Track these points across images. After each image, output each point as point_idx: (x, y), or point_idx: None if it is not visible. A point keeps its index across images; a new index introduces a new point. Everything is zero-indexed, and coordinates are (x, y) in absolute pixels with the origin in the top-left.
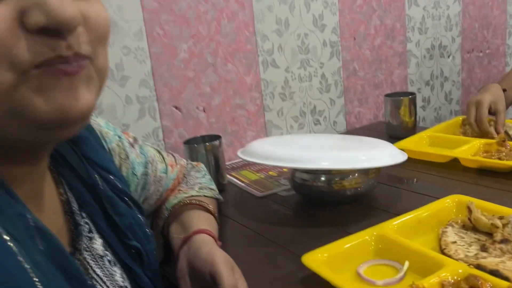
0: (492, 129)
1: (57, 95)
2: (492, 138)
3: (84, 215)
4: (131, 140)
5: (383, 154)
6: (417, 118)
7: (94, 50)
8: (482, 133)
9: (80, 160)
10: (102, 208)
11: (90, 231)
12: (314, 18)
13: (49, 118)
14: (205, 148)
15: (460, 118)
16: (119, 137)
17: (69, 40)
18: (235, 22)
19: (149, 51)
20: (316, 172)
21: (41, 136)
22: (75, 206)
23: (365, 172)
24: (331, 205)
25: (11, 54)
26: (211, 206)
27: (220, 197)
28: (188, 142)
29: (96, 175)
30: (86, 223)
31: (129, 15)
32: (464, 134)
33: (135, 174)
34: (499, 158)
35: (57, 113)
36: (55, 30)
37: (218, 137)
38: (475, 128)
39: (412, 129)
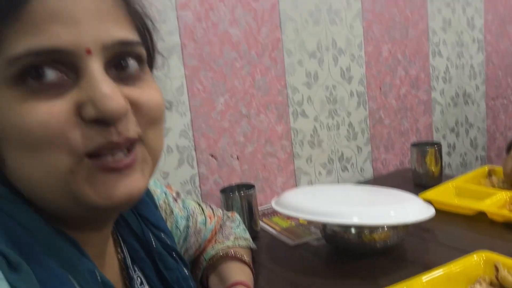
0: None
1: (105, 187)
2: None
3: (136, 269)
4: (174, 195)
5: (411, 210)
6: (443, 164)
7: (144, 130)
8: None
9: (137, 220)
10: (154, 263)
11: (141, 284)
12: (341, 71)
13: (99, 205)
14: (240, 197)
15: (487, 168)
16: (165, 193)
17: (118, 126)
18: (268, 76)
19: (189, 105)
20: (346, 225)
21: (96, 215)
22: (129, 261)
23: (394, 226)
24: (361, 256)
25: (69, 140)
26: (246, 256)
27: (254, 246)
28: (224, 191)
29: (150, 234)
30: (139, 276)
31: (172, 72)
32: (491, 184)
33: (178, 228)
34: None
35: (105, 202)
36: (104, 120)
37: (252, 186)
38: None
39: (438, 178)
